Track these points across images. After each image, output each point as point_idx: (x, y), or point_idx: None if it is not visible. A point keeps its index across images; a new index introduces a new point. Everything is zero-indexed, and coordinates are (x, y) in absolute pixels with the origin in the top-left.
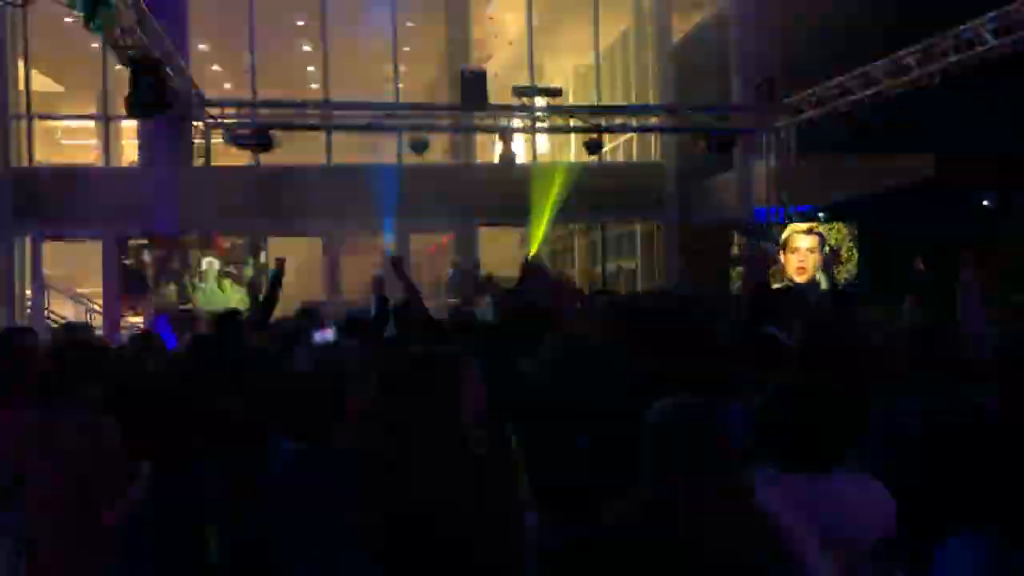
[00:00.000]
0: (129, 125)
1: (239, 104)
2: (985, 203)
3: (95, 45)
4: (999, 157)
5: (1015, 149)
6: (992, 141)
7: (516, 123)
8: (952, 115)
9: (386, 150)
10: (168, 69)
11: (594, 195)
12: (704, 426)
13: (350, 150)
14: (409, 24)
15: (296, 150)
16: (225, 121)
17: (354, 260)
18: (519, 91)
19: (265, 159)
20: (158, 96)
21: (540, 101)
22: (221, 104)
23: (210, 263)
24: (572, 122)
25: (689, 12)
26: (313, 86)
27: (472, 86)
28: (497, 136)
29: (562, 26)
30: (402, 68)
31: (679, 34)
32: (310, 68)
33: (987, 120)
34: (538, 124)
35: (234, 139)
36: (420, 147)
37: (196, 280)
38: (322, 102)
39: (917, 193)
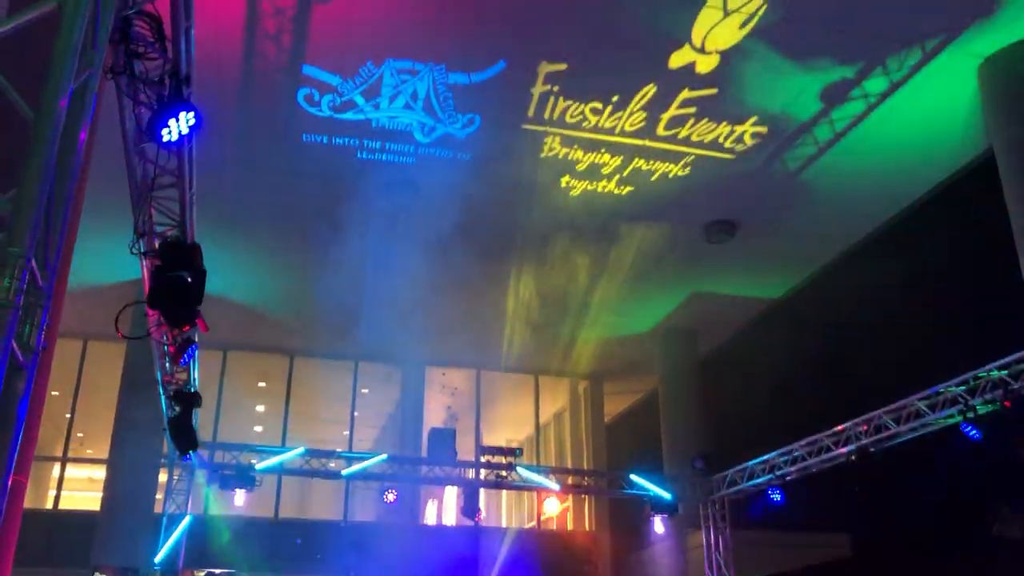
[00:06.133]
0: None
1: (231, 448)
2: None
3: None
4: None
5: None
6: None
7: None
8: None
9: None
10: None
11: (532, 560)
12: None
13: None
14: (364, 391)
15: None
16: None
17: None
18: (486, 450)
19: None
20: (192, 432)
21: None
22: (213, 447)
23: None
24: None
25: (620, 394)
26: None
27: (441, 442)
28: (457, 491)
29: (502, 402)
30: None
31: (611, 412)
32: (258, 428)
33: (898, 504)
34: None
35: (222, 480)
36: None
37: None
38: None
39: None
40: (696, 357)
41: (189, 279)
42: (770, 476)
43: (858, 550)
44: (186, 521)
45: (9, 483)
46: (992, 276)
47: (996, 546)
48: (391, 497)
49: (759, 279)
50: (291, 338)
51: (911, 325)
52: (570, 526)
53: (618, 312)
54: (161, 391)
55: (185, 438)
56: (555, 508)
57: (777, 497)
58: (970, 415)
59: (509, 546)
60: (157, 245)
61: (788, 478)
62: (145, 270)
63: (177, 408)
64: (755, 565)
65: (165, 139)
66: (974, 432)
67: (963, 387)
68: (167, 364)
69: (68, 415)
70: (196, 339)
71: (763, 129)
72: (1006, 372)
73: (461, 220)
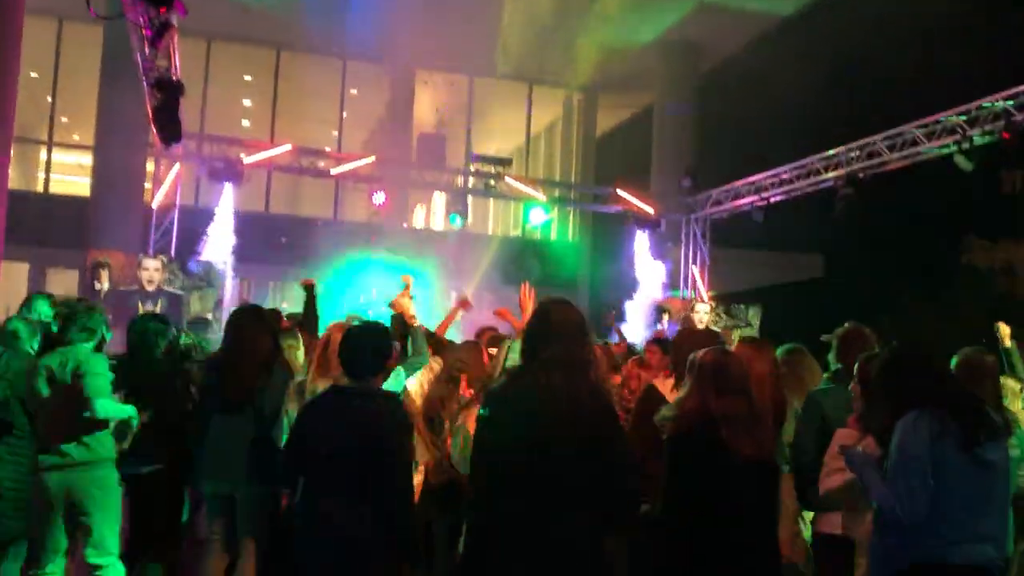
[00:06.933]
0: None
1: (219, 141)
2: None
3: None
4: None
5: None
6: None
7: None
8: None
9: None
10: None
11: (512, 267)
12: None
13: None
14: (352, 91)
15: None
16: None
17: None
18: (477, 158)
19: None
20: (176, 122)
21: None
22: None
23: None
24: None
25: (613, 110)
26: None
27: (430, 148)
28: (446, 197)
29: (494, 111)
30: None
31: (603, 128)
32: (245, 123)
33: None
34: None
35: (210, 172)
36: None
37: None
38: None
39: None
40: (696, 74)
41: None
42: (755, 197)
43: (830, 270)
44: (175, 211)
45: None
46: None
47: (961, 273)
48: (380, 199)
49: None
50: (278, 29)
51: (927, 55)
52: (554, 237)
53: (620, 19)
54: (143, 78)
55: (169, 128)
56: (540, 218)
57: (759, 217)
58: (966, 145)
59: (493, 252)
60: None
61: (773, 200)
62: None
63: (159, 96)
64: (729, 282)
65: None
66: (965, 163)
67: (963, 116)
68: (146, 49)
69: (49, 98)
70: (175, 23)
71: None
72: (1011, 103)
73: None
